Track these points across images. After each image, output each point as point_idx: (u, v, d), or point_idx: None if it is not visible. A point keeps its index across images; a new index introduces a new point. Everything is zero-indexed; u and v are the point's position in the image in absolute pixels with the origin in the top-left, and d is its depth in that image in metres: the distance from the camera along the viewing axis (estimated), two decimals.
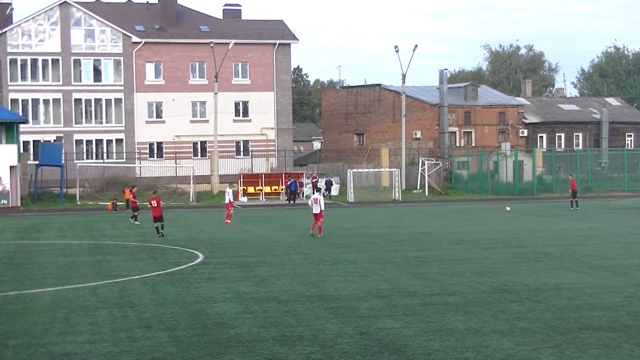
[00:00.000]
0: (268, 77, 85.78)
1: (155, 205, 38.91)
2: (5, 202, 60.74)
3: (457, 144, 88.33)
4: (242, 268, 26.82)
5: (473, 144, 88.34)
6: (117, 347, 15.94)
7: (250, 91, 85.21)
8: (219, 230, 42.01)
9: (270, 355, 15.13)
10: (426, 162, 76.81)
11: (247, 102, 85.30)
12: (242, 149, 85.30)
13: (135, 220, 46.96)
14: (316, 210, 37.09)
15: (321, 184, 74.48)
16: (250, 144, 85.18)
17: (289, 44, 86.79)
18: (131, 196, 49.88)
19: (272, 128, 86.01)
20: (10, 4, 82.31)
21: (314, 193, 39.58)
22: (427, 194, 74.27)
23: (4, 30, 78.80)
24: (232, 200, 46.96)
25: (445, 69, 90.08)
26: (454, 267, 26.63)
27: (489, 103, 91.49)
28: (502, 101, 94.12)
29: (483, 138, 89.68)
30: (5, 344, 16.34)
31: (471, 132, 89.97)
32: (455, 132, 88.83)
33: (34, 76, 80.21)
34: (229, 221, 45.94)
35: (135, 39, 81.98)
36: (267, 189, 72.52)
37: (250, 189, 72.32)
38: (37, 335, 17.07)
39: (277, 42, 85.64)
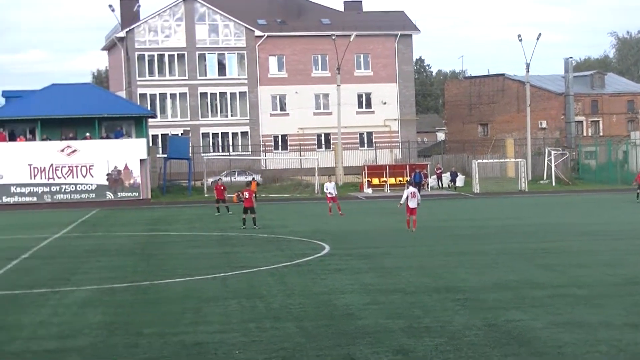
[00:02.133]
0: (390, 69, 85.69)
1: (247, 197, 39.40)
2: (137, 194, 62.02)
3: (584, 134, 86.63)
4: (368, 259, 26.87)
5: (601, 134, 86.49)
6: (247, 337, 16.17)
7: (372, 83, 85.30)
8: (343, 222, 42.12)
9: (398, 346, 15.14)
10: (552, 152, 75.45)
11: (370, 93, 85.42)
12: (365, 141, 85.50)
13: (218, 212, 48.49)
14: (413, 204, 35.60)
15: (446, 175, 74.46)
16: (373, 135, 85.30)
17: (411, 35, 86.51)
18: (215, 189, 50.66)
19: (395, 119, 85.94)
20: (138, 1, 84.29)
21: (411, 189, 37.39)
22: (554, 184, 73.02)
23: (131, 27, 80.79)
24: (333, 194, 46.35)
25: (571, 57, 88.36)
26: (581, 258, 26.15)
27: (616, 91, 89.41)
28: (630, 89, 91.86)
29: (611, 127, 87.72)
30: (140, 332, 16.80)
31: (598, 121, 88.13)
32: (582, 121, 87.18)
33: (161, 71, 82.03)
34: (340, 212, 45.45)
35: (258, 32, 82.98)
36: (392, 180, 72.43)
37: (375, 181, 72.39)
38: (169, 324, 17.47)
39: (399, 33, 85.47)
